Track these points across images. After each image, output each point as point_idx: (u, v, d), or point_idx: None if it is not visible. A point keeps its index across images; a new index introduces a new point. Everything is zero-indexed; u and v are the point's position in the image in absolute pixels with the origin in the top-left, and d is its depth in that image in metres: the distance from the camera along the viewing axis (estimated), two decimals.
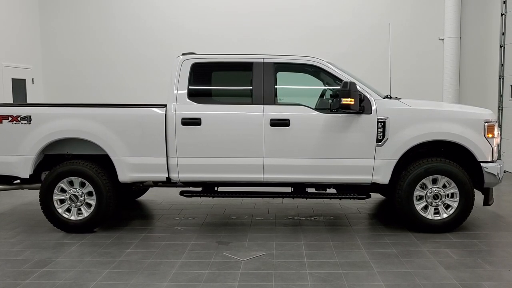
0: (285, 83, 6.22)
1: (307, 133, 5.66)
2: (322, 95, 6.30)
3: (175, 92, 5.80)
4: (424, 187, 5.71)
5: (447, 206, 5.74)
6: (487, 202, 5.91)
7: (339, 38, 11.32)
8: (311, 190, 6.13)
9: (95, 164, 5.81)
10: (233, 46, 11.07)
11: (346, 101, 5.37)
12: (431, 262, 4.82)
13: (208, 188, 6.11)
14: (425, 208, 5.74)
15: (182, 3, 11.62)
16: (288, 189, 6.13)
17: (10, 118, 5.81)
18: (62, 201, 5.84)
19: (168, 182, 5.99)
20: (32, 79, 11.57)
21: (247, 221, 6.42)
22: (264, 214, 6.82)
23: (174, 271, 4.62)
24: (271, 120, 5.65)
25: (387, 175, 5.66)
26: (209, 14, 11.53)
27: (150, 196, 7.93)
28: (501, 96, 10.28)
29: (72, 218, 5.84)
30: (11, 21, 10.83)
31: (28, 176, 5.88)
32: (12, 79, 10.76)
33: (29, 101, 11.26)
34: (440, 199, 5.71)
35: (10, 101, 10.51)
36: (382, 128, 5.60)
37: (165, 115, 5.73)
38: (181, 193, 6.08)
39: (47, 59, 12.00)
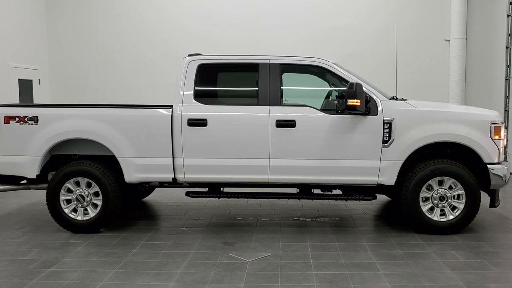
0: (291, 84, 6.23)
1: (313, 134, 5.66)
2: (328, 96, 6.29)
3: (181, 93, 5.82)
4: (430, 188, 5.70)
5: (453, 208, 5.72)
6: (493, 203, 5.89)
7: (345, 39, 11.30)
8: (317, 191, 6.13)
9: (101, 165, 5.84)
10: (238, 48, 11.04)
11: (352, 102, 5.37)
12: (437, 263, 4.81)
13: (214, 189, 6.13)
14: (431, 209, 5.73)
15: (188, 5, 11.64)
16: (294, 190, 6.14)
17: (17, 119, 5.84)
18: (68, 201, 5.87)
19: (174, 183, 6.00)
20: (39, 79, 11.63)
21: (252, 222, 6.42)
22: (270, 215, 6.82)
23: (180, 271, 4.63)
24: (277, 121, 5.66)
25: (393, 177, 5.66)
26: (214, 15, 11.54)
27: (156, 197, 7.95)
28: (507, 97, 10.24)
29: (79, 218, 5.87)
30: (18, 23, 10.89)
31: (35, 177, 5.92)
32: (18, 79, 10.81)
33: (35, 101, 11.31)
34: (446, 200, 5.69)
35: (17, 101, 10.56)
36: (388, 129, 5.59)
37: (171, 116, 5.75)
38: (187, 193, 6.10)
39: (53, 60, 12.05)
